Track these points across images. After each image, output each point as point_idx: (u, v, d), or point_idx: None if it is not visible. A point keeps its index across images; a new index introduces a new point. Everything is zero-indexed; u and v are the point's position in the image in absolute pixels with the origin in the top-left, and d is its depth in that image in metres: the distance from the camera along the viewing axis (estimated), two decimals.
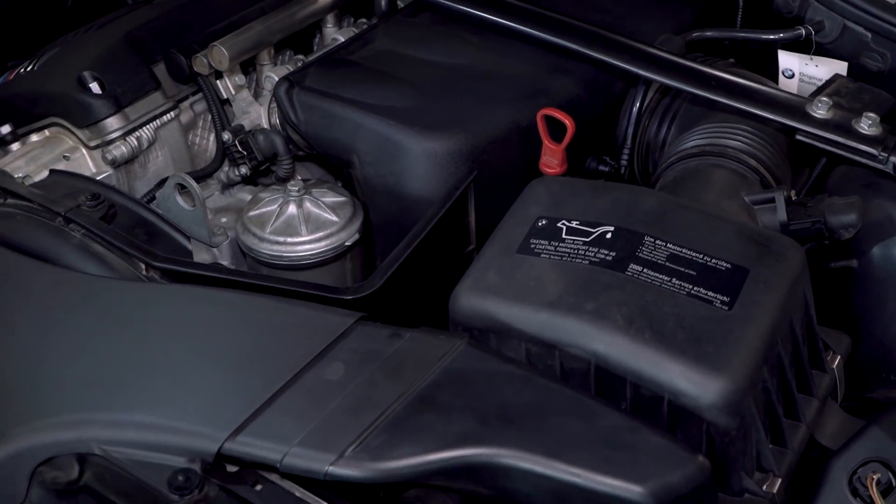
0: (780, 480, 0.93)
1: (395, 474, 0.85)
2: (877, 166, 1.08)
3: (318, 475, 0.85)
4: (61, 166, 1.27)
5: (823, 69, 1.26)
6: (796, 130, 1.11)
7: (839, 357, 1.03)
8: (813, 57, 1.27)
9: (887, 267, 1.06)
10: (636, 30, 1.28)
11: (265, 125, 1.32)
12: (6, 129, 1.29)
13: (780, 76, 1.30)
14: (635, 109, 1.25)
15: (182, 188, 1.17)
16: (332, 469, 0.84)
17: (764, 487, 0.92)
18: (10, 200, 1.11)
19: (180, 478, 0.87)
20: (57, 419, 0.92)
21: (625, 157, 1.26)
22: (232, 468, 0.91)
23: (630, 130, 1.26)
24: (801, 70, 1.28)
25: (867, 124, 1.10)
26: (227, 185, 1.35)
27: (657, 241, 0.97)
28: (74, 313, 1.00)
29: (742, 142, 1.15)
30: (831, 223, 1.04)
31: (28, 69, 1.34)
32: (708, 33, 1.33)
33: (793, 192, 1.10)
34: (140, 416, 0.91)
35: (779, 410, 0.94)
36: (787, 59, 1.29)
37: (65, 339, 0.98)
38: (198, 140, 1.37)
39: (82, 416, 0.92)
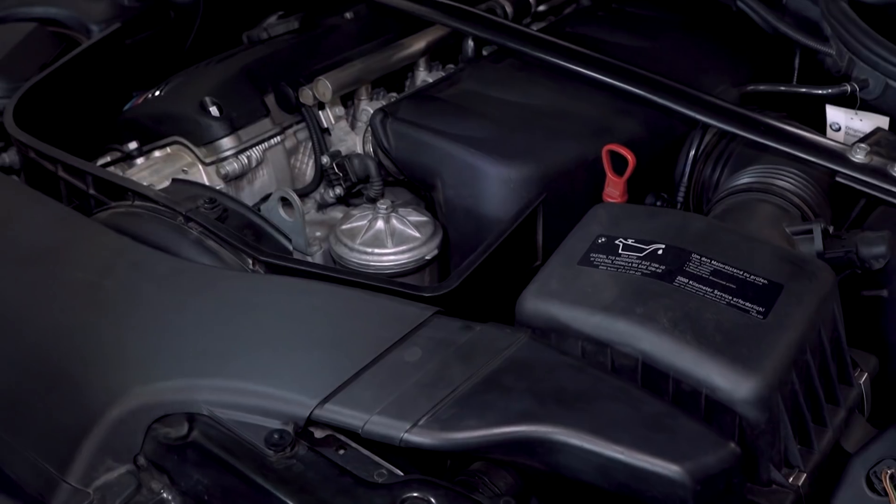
0: (804, 475, 1.02)
1: (462, 444, 0.96)
2: None
3: (394, 441, 0.96)
4: None
5: (867, 123, 1.36)
6: (836, 173, 1.22)
7: (866, 374, 1.12)
8: (858, 112, 1.37)
9: None
10: (697, 81, 1.39)
11: (359, 152, 1.45)
12: (133, 145, 1.44)
13: (828, 129, 1.40)
14: (692, 153, 1.37)
15: (284, 201, 1.30)
16: (406, 436, 0.95)
17: (790, 480, 1.02)
18: (137, 202, 1.26)
19: (276, 437, 0.99)
20: (171, 383, 1.05)
21: (681, 194, 1.37)
22: (320, 434, 1.02)
23: (687, 170, 1.37)
24: (846, 123, 1.38)
25: None
26: (322, 206, 1.48)
27: (702, 258, 1.07)
28: (190, 296, 1.13)
29: (786, 181, 1.25)
30: (863, 253, 1.14)
31: (155, 94, 1.50)
32: (761, 87, 1.44)
33: (831, 228, 1.20)
34: (243, 383, 1.03)
35: (806, 413, 1.03)
36: (834, 113, 1.39)
37: (181, 316, 1.11)
38: (298, 164, 1.52)
39: (193, 382, 1.05)
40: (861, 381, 1.11)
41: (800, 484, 1.01)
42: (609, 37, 1.53)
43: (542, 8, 1.68)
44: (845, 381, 1.10)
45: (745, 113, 1.30)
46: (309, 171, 1.51)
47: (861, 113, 1.37)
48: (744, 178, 1.28)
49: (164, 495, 1.03)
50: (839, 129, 1.40)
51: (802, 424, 1.04)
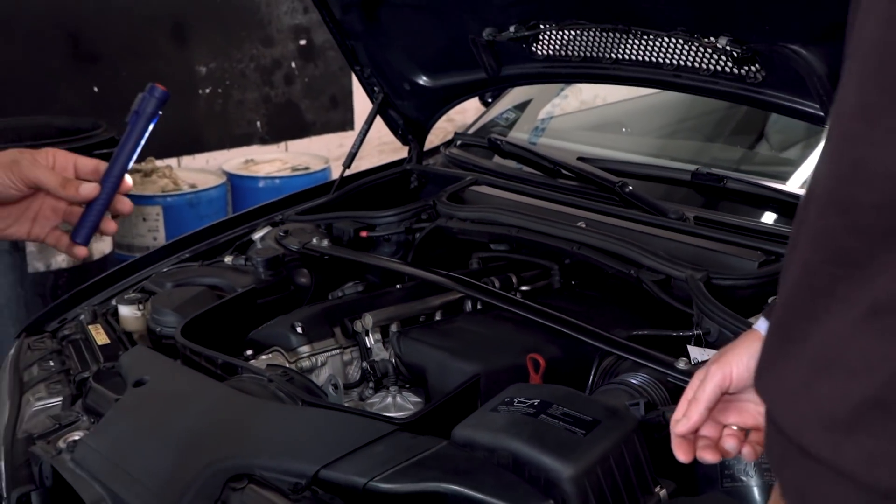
0: None
1: (398, 490, 1.60)
2: None
3: (359, 486, 1.62)
4: None
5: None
6: (668, 375, 1.88)
7: (665, 490, 1.71)
8: (706, 349, 2.03)
9: None
10: (605, 328, 2.09)
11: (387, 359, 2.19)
12: (249, 352, 2.21)
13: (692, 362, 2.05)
14: (594, 369, 2.04)
15: (334, 385, 2.03)
16: (368, 484, 1.61)
17: None
18: (245, 374, 2.01)
19: (294, 485, 1.66)
20: (238, 460, 1.75)
21: None
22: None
23: (591, 381, 2.04)
24: (701, 357, 2.04)
25: None
26: (363, 398, 2.19)
27: (558, 406, 1.73)
28: (259, 415, 1.85)
29: (639, 381, 1.91)
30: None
31: (269, 323, 2.30)
32: (643, 332, 2.12)
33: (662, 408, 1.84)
34: (280, 460, 1.72)
35: (609, 500, 1.64)
36: (693, 351, 2.05)
37: (250, 425, 1.82)
38: (352, 371, 2.25)
39: (251, 460, 1.74)
40: (660, 493, 1.71)
41: None
42: (562, 304, 2.25)
43: (524, 288, 2.43)
44: (647, 491, 1.70)
45: (623, 342, 1.99)
46: (358, 375, 2.25)
47: (709, 350, 2.03)
48: (616, 379, 1.94)
49: None
50: (697, 362, 2.05)
51: None
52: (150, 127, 1.62)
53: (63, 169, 1.55)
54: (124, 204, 1.61)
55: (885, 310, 0.89)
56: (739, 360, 1.30)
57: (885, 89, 0.89)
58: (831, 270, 0.96)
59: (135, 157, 1.60)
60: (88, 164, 1.58)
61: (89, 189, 1.56)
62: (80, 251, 1.59)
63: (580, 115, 4.09)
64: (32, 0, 4.77)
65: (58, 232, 1.62)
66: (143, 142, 1.62)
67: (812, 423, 0.97)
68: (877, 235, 0.90)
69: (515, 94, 3.60)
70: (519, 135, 3.46)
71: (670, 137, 3.66)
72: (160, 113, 1.62)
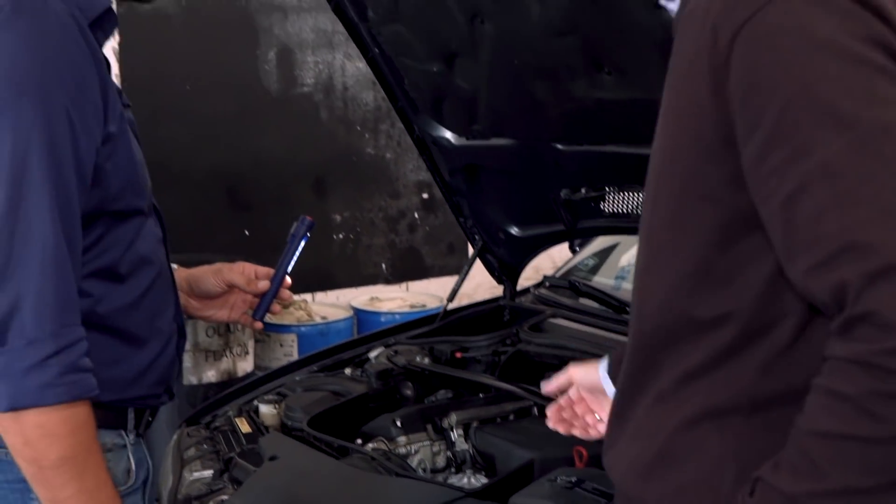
0: None
1: None
2: None
3: None
4: None
5: None
6: None
7: None
8: None
9: None
10: None
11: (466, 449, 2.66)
12: (359, 441, 2.72)
13: None
14: None
15: (423, 469, 2.52)
16: None
17: None
18: (355, 455, 2.52)
19: None
20: None
21: None
22: None
23: None
24: None
25: None
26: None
27: (589, 483, 2.16)
28: (367, 486, 2.35)
29: None
30: None
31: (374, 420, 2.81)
32: None
33: None
34: None
35: None
36: None
37: (360, 487, 2.32)
38: (438, 459, 2.73)
39: None
40: None
41: None
42: None
43: None
44: None
45: None
46: (443, 462, 2.72)
47: None
48: None
49: None
50: None
51: None
52: (302, 244, 2.47)
53: (248, 273, 2.42)
54: (286, 294, 2.49)
55: (662, 396, 1.39)
56: (577, 371, 2.03)
57: (650, 256, 1.41)
58: (636, 372, 1.47)
59: (292, 264, 2.43)
60: (262, 270, 2.46)
61: (265, 285, 2.45)
62: (258, 325, 2.50)
63: None
64: (199, 158, 5.56)
65: (245, 315, 2.50)
66: (297, 254, 2.46)
67: (630, 475, 1.45)
68: (655, 348, 1.40)
69: (602, 241, 4.11)
70: (603, 280, 3.94)
71: None
72: (308, 235, 2.47)
